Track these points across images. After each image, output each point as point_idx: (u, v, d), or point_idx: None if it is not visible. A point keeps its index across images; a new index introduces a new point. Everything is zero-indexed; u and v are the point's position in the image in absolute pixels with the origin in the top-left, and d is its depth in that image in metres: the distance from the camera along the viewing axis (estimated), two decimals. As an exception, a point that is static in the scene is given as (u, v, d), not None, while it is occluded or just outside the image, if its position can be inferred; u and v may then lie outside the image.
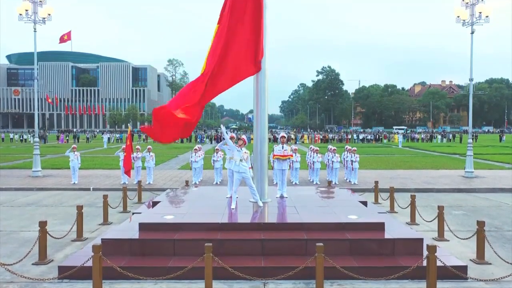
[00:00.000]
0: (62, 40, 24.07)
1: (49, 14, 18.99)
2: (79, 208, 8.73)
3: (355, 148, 17.26)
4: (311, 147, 17.98)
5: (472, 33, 19.16)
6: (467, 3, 19.10)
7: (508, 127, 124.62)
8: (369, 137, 52.50)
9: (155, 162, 17.60)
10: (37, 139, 19.51)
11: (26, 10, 18.35)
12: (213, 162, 16.79)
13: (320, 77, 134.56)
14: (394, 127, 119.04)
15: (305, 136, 52.23)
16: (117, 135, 54.73)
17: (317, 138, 51.93)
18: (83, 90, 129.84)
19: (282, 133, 10.46)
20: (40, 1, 18.86)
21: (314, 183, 16.85)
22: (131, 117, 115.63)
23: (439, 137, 53.83)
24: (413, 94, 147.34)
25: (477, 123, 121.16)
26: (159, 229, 7.28)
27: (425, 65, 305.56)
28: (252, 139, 10.76)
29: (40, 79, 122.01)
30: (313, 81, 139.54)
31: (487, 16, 18.87)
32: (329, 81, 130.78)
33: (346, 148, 17.97)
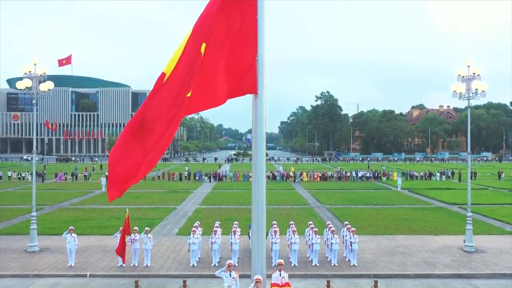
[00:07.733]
0: (60, 63, 24.26)
1: (49, 89, 19.15)
2: None
3: (353, 229, 17.25)
4: (310, 225, 17.85)
5: (469, 107, 19.37)
6: (463, 77, 19.35)
7: (508, 151, 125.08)
8: (368, 174, 52.59)
9: (153, 226, 17.53)
10: (34, 223, 19.13)
11: (27, 87, 18.51)
12: (211, 244, 16.73)
13: (319, 102, 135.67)
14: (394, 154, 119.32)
15: (304, 174, 52.23)
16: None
17: (316, 176, 51.94)
18: (82, 115, 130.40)
19: (279, 260, 10.39)
20: (41, 75, 19.06)
21: (313, 264, 16.79)
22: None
23: (438, 174, 53.97)
24: (411, 118, 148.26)
25: (475, 148, 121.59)
26: None
27: (422, 83, 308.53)
28: (251, 176, 11.05)
29: (39, 104, 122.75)
30: (312, 106, 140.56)
31: (483, 91, 19.10)
32: (328, 106, 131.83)
33: (346, 225, 17.99)
